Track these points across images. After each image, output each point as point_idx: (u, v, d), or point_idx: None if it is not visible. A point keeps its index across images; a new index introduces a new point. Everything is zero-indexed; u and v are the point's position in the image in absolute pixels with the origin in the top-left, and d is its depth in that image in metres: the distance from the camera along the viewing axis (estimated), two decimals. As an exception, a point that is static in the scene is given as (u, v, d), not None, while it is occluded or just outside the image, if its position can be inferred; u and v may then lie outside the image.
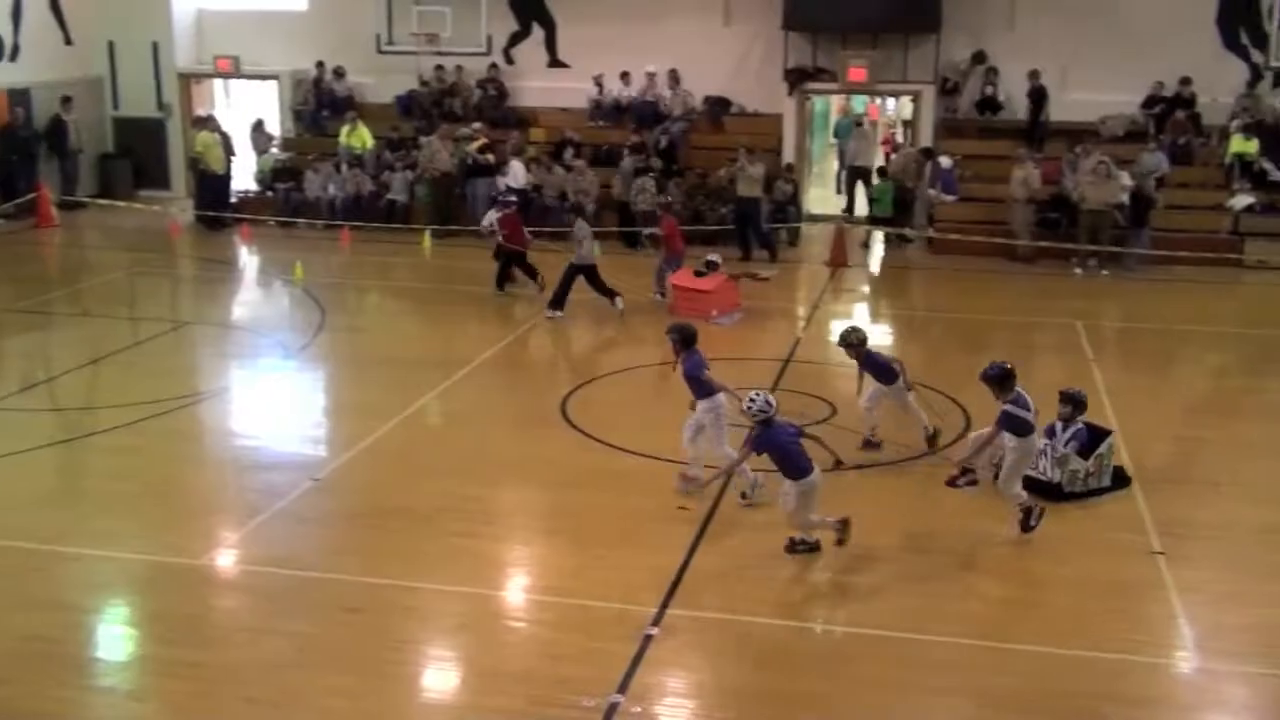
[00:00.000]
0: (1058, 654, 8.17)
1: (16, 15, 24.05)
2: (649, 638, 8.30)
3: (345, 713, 7.49)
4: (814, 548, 9.59)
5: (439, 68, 24.72)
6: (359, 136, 23.85)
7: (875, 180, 22.53)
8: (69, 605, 8.87)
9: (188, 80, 26.29)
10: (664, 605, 8.74)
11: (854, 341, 11.62)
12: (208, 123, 23.84)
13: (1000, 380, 9.84)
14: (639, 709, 7.51)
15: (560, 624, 8.57)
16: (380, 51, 24.67)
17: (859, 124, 25.40)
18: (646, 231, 18.24)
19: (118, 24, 25.70)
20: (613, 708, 7.50)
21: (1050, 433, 10.80)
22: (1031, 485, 10.40)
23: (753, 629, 8.55)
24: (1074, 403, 10.84)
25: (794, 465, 9.36)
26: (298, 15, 25.69)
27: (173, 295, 19.37)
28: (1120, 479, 10.96)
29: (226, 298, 18.86)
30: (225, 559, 9.70)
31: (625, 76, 23.94)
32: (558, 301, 16.69)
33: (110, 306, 17.71)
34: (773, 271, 19.49)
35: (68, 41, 25.40)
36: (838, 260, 20.34)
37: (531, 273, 17.95)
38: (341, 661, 8.03)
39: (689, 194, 22.00)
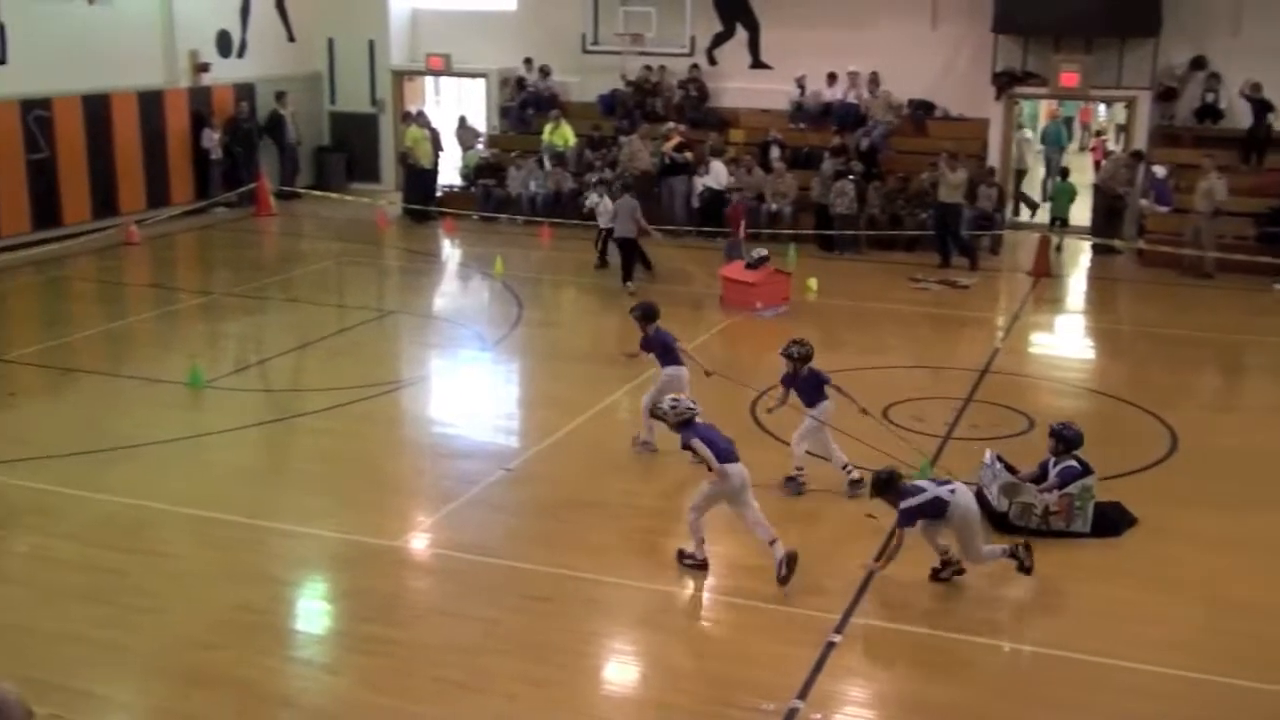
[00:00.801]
0: (1257, 689, 7.80)
1: (245, 14, 25.23)
2: (831, 644, 8.24)
3: (530, 699, 7.63)
4: (701, 566, 9.30)
5: (647, 67, 24.95)
6: (561, 134, 24.25)
7: (1060, 180, 22.25)
8: (274, 578, 9.28)
9: (400, 77, 27.18)
10: (848, 613, 8.66)
11: (794, 354, 10.81)
12: (418, 119, 24.56)
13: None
14: (818, 716, 7.45)
15: (744, 626, 8.57)
16: (585, 51, 25.03)
17: (1020, 126, 24.80)
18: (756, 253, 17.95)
19: (337, 22, 26.77)
20: (792, 713, 7.46)
21: (1042, 472, 10.16)
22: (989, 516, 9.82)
23: (936, 642, 8.40)
24: (1062, 439, 10.16)
25: (720, 452, 9.09)
26: (507, 15, 26.26)
27: (378, 285, 20.02)
28: (1107, 525, 10.00)
29: (429, 289, 19.40)
30: (419, 542, 9.98)
31: (832, 78, 23.71)
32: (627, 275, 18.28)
33: (319, 294, 18.42)
34: (973, 280, 19.08)
35: (291, 39, 26.55)
36: (1040, 270, 19.78)
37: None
38: (528, 648, 8.18)
39: (888, 198, 21.73)
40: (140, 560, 9.37)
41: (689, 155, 22.62)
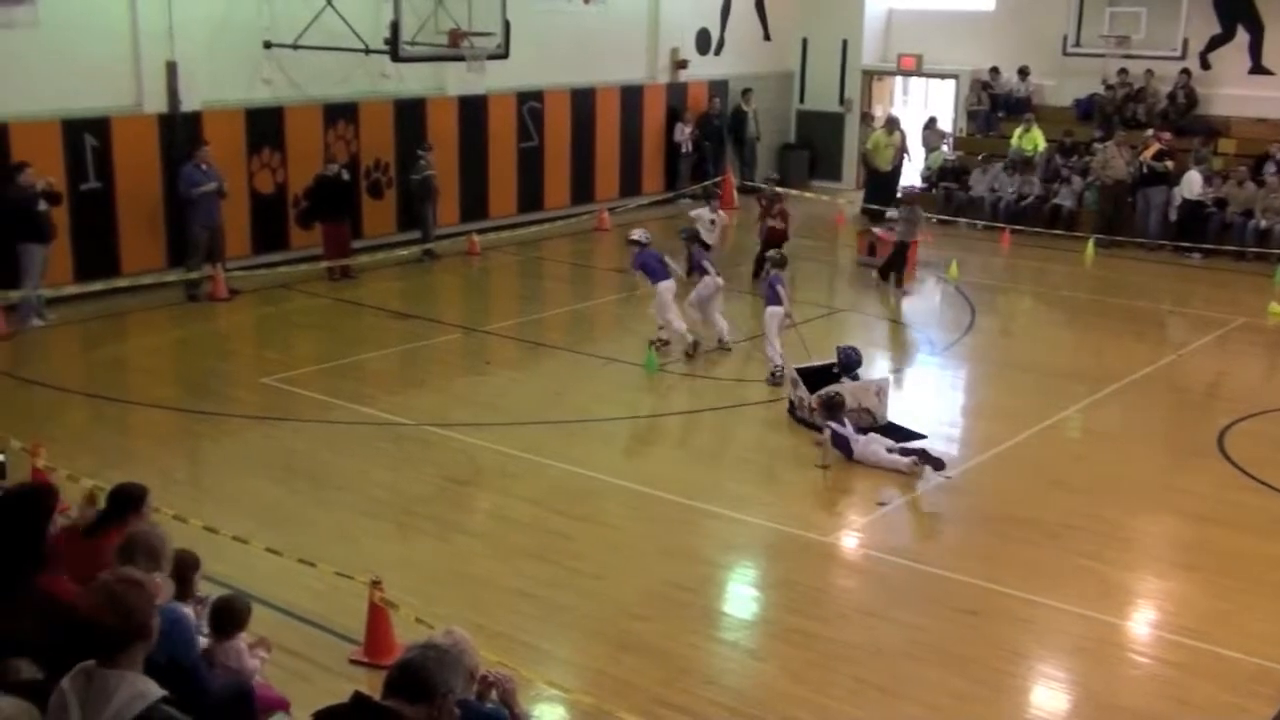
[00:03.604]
0: None
1: (725, 13, 26.09)
2: (1292, 703, 7.51)
3: (951, 712, 7.45)
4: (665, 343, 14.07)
5: (1123, 71, 23.68)
6: (1031, 139, 23.45)
7: None
8: (705, 559, 9.56)
9: (870, 77, 27.20)
10: (1315, 670, 7.86)
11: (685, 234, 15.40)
12: (888, 124, 24.45)
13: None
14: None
15: (1189, 668, 7.96)
16: (1066, 53, 24.03)
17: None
18: None
19: (813, 22, 27.17)
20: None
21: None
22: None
23: None
24: (841, 363, 12.44)
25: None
26: (984, 15, 25.68)
27: (830, 282, 20.13)
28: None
29: (880, 290, 19.30)
30: (850, 540, 9.97)
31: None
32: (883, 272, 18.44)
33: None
34: None
35: (766, 37, 27.19)
36: None
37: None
38: (952, 661, 7.99)
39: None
40: (584, 528, 9.92)
41: (1169, 164, 21.23)
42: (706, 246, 16.09)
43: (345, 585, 8.11)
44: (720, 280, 14.81)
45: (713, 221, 17.78)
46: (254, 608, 6.67)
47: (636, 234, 15.05)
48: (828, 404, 11.34)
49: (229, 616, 6.37)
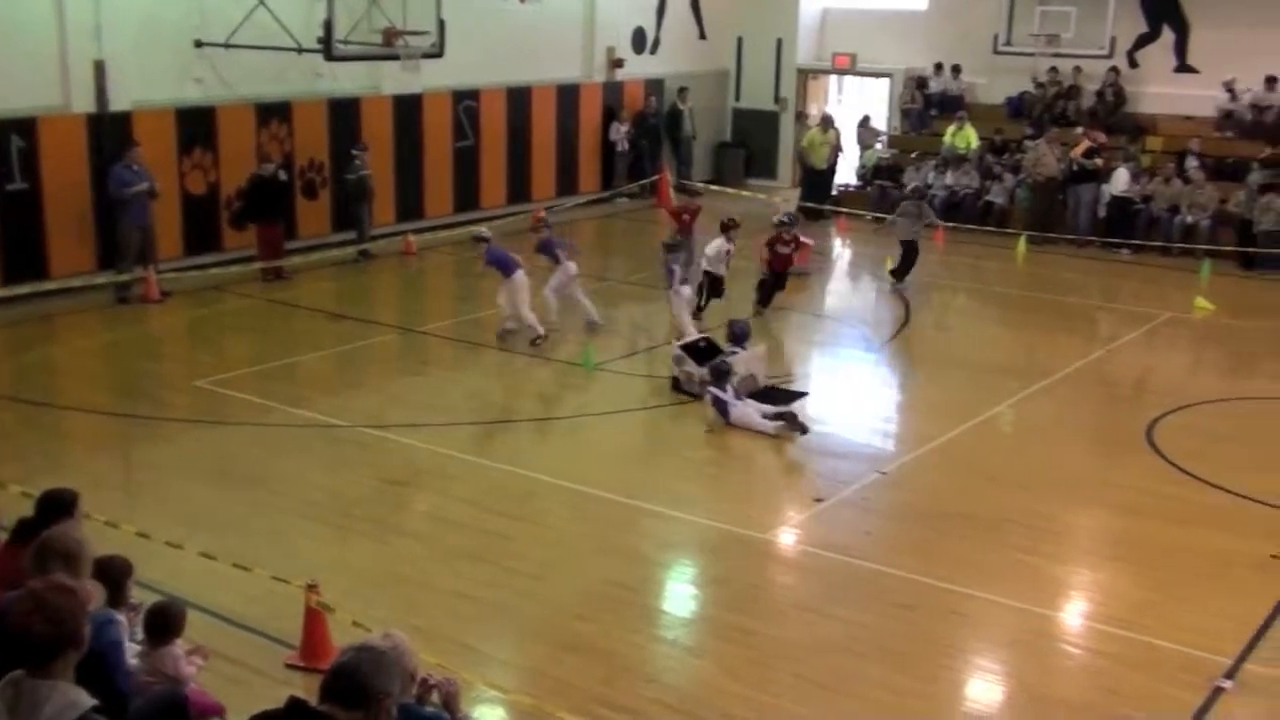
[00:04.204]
0: None
1: (661, 12, 26.13)
2: (1220, 690, 7.64)
3: (889, 706, 7.52)
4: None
5: (1053, 69, 24.00)
6: (964, 137, 23.70)
7: None
8: (645, 558, 9.58)
9: (805, 75, 27.36)
10: (1242, 658, 8.01)
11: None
12: (823, 122, 24.59)
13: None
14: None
15: (1121, 658, 8.09)
16: (997, 52, 24.28)
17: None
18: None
19: (748, 21, 27.29)
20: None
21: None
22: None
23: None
24: (731, 333, 13.16)
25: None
26: (917, 14, 25.91)
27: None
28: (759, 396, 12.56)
29: (817, 287, 19.41)
30: (788, 537, 10.04)
31: (1271, 82, 21.91)
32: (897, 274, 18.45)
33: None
34: None
35: (702, 36, 27.27)
36: None
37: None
38: (890, 655, 8.06)
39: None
40: (524, 527, 9.90)
41: (1099, 162, 21.55)
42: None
43: (281, 589, 8.04)
44: (573, 267, 15.51)
45: (728, 253, 16.44)
46: (189, 613, 6.59)
47: (481, 231, 15.58)
48: (715, 371, 12.27)
49: (164, 623, 6.28)
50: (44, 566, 5.20)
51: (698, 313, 15.62)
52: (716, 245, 16.13)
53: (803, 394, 13.07)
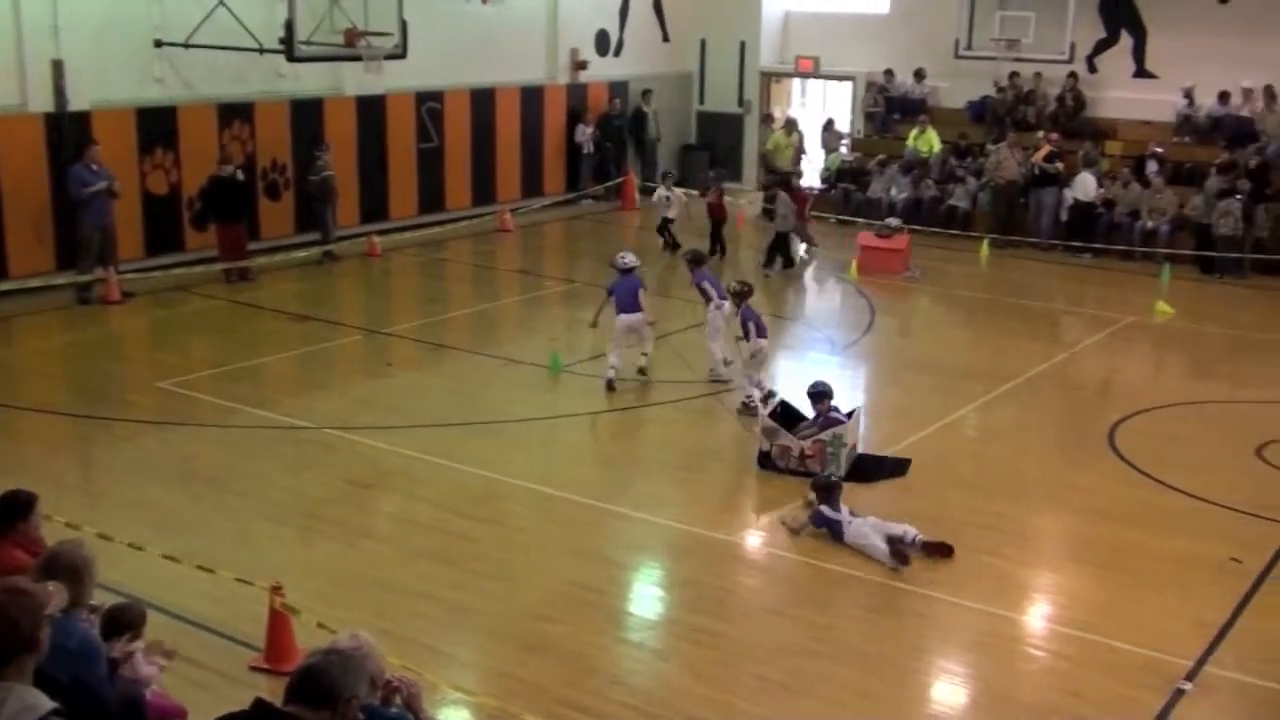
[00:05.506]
0: None
1: (624, 14, 26.16)
2: (1180, 692, 7.71)
3: (854, 708, 7.55)
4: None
5: (1014, 74, 24.19)
6: (926, 140, 23.85)
7: None
8: (611, 560, 9.57)
9: (768, 78, 27.45)
10: (1202, 660, 8.09)
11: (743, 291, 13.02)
12: (788, 125, 24.68)
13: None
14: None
15: (1083, 660, 8.15)
16: (958, 56, 24.49)
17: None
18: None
19: (711, 23, 27.37)
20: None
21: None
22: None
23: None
24: (814, 396, 11.42)
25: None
26: (879, 18, 26.06)
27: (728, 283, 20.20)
28: (864, 470, 11.09)
29: (781, 289, 19.46)
30: (754, 540, 10.06)
31: (1224, 97, 22.20)
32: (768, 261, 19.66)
33: (672, 288, 18.79)
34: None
35: (665, 39, 27.31)
36: None
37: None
38: (855, 658, 8.09)
39: (1279, 220, 20.17)
40: (489, 529, 9.88)
41: (1060, 166, 21.73)
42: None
43: (245, 591, 7.99)
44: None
45: (668, 199, 20.53)
46: (151, 616, 6.51)
47: (625, 259, 14.02)
48: (825, 487, 10.04)
49: (121, 624, 6.22)
50: (50, 578, 5.17)
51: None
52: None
53: (905, 461, 11.42)
